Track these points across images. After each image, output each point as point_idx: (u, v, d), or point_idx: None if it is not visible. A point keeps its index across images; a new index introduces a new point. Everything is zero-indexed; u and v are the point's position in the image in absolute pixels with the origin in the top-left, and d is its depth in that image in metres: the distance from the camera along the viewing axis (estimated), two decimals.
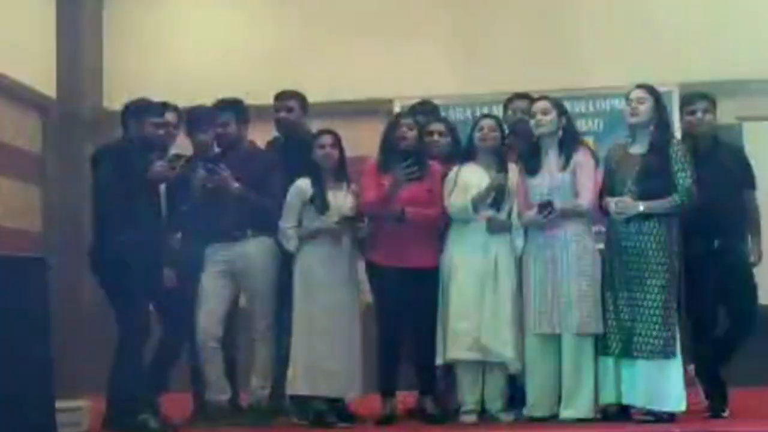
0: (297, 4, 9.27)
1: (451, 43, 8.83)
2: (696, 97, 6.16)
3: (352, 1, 9.14)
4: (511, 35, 8.73)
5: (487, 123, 6.09)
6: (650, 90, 5.84)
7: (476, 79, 8.52)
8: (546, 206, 5.75)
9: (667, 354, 5.59)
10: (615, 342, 5.67)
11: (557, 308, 5.75)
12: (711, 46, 8.37)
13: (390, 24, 8.96)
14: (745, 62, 8.20)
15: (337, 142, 6.18)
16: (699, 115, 6.07)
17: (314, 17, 9.13)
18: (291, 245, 6.11)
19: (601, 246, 5.91)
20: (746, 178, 6.10)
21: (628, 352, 5.63)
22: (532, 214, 5.83)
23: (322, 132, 6.23)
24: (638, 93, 5.84)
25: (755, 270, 6.10)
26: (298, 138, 6.42)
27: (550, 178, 5.87)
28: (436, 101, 8.31)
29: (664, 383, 5.59)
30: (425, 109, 6.69)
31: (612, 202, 5.72)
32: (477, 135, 6.07)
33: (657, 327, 5.59)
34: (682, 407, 5.63)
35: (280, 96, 6.60)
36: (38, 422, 5.05)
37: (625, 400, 5.68)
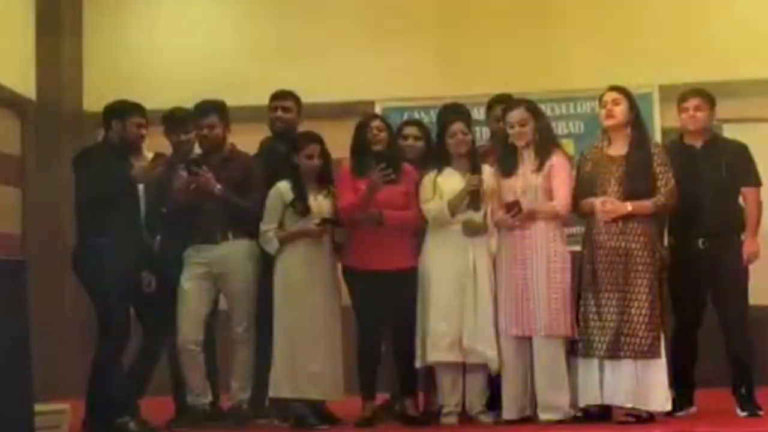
0: (279, 6, 9.25)
1: (432, 45, 8.83)
2: (688, 94, 6.17)
3: (333, 3, 9.13)
4: (491, 37, 8.73)
5: (459, 127, 6.06)
6: (623, 91, 5.86)
7: (457, 81, 8.51)
8: (513, 206, 5.76)
9: (653, 354, 5.61)
10: (599, 344, 5.67)
11: (527, 311, 5.76)
12: (691, 48, 8.40)
13: (372, 26, 8.95)
14: (725, 64, 8.23)
15: (323, 150, 6.15)
16: (690, 111, 6.10)
17: (296, 19, 9.11)
18: (271, 248, 6.09)
19: (577, 248, 5.92)
20: (746, 175, 6.08)
21: (614, 353, 5.63)
22: (501, 213, 5.83)
23: (311, 139, 6.17)
24: (612, 95, 5.85)
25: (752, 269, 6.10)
26: (290, 138, 6.41)
27: (524, 179, 5.87)
28: (417, 104, 8.37)
29: (650, 383, 5.62)
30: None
31: (598, 203, 5.73)
32: (450, 141, 6.05)
33: (643, 327, 5.61)
34: (668, 407, 5.67)
35: (279, 95, 6.60)
36: (17, 425, 5.01)
37: (609, 401, 5.69)
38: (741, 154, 6.13)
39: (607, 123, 5.85)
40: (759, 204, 6.08)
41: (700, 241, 5.98)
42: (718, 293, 6.04)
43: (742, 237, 6.06)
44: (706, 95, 6.15)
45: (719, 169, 6.02)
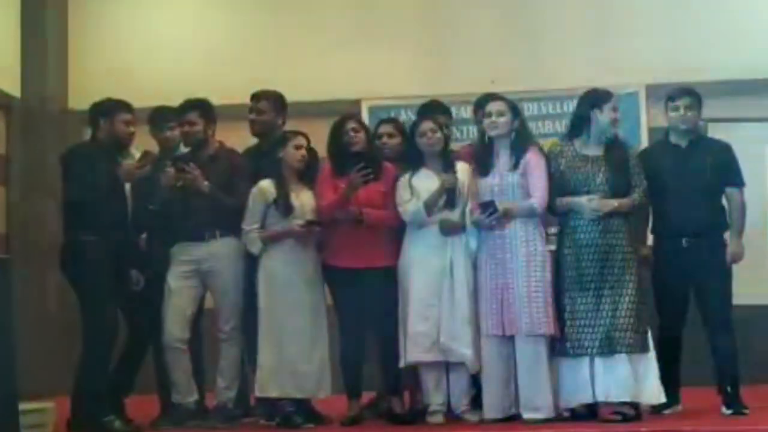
0: (265, 5, 9.23)
1: (419, 44, 8.82)
2: (679, 93, 6.17)
3: (321, 1, 9.12)
4: (478, 36, 8.74)
5: (428, 126, 6.05)
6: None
7: (444, 79, 8.52)
8: (488, 206, 5.76)
9: (644, 348, 5.67)
10: (590, 341, 5.68)
11: (508, 310, 5.76)
12: (678, 48, 8.42)
13: (358, 24, 8.95)
14: (710, 63, 8.26)
15: (309, 147, 6.17)
16: (681, 111, 6.11)
17: (283, 18, 9.10)
18: (254, 248, 6.07)
19: (551, 247, 5.92)
20: (730, 175, 6.10)
21: (608, 349, 5.65)
22: (477, 214, 5.84)
23: (296, 133, 6.19)
24: (615, 102, 5.90)
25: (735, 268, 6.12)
26: (272, 139, 6.39)
27: (500, 178, 5.88)
28: (404, 102, 8.37)
29: (642, 377, 5.66)
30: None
31: (585, 200, 5.75)
32: (421, 141, 6.05)
33: (634, 321, 5.65)
34: (662, 398, 5.73)
35: (252, 97, 6.57)
36: (1, 424, 4.99)
37: (603, 398, 5.69)
38: (725, 155, 6.15)
39: (616, 129, 5.91)
40: (743, 204, 6.10)
41: (683, 240, 6.00)
42: (702, 293, 6.06)
43: (725, 236, 6.08)
44: (695, 95, 6.17)
45: (705, 169, 6.04)
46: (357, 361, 6.14)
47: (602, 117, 5.87)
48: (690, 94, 6.15)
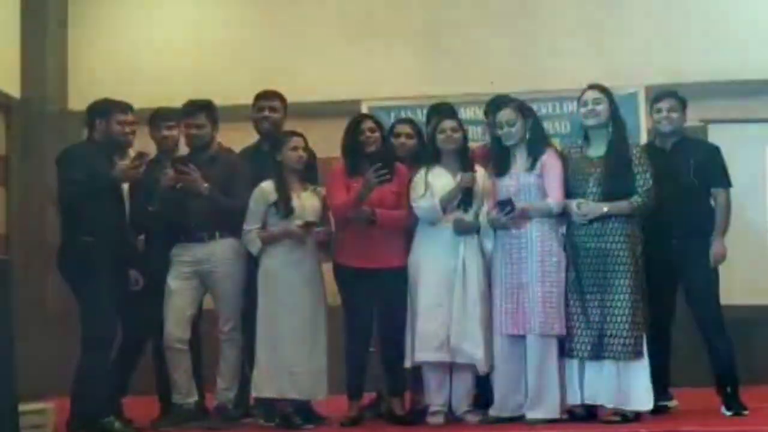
0: (264, 5, 9.24)
1: (419, 44, 8.82)
2: (662, 96, 6.20)
3: (320, 2, 9.12)
4: (478, 37, 8.73)
5: (449, 124, 6.07)
6: (604, 90, 5.87)
7: (443, 80, 8.51)
8: (506, 204, 5.76)
9: (635, 354, 5.63)
10: (582, 344, 5.69)
11: (522, 309, 5.75)
12: (676, 48, 8.42)
13: (358, 25, 8.95)
14: (710, 64, 8.25)
15: (307, 146, 6.16)
16: (664, 113, 6.12)
17: (282, 19, 9.10)
18: (254, 248, 6.08)
19: None
20: (717, 176, 6.10)
21: (597, 354, 5.65)
22: (494, 213, 5.84)
23: (292, 134, 6.20)
24: (594, 94, 5.84)
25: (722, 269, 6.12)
26: (272, 139, 6.40)
27: (517, 179, 5.87)
28: (404, 103, 8.36)
29: (632, 383, 5.64)
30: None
31: (574, 204, 5.74)
32: (440, 137, 6.06)
33: (626, 327, 5.62)
34: (650, 406, 5.67)
35: (266, 95, 6.58)
36: (1, 425, 4.99)
37: (591, 401, 5.71)
38: (710, 156, 6.15)
39: (590, 122, 5.85)
40: (728, 205, 6.08)
41: (671, 242, 5.98)
42: (691, 295, 6.07)
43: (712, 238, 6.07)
44: (678, 97, 6.19)
45: (687, 171, 6.03)
46: (362, 362, 6.13)
47: (579, 116, 5.88)
48: (673, 97, 6.16)
